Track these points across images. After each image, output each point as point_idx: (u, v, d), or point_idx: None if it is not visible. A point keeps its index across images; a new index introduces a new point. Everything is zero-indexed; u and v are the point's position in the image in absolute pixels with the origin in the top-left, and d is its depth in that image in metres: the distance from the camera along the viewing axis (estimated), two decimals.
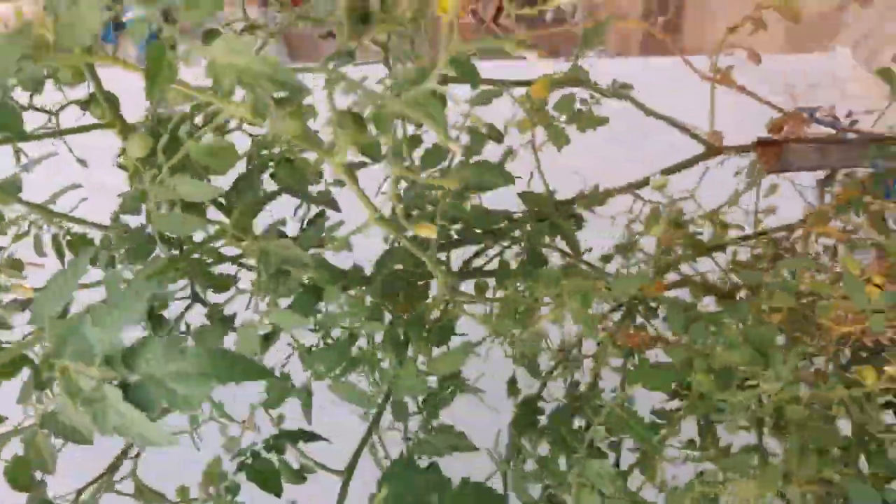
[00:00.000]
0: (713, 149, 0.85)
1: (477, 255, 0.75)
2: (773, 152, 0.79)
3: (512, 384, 0.79)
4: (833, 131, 0.95)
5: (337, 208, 0.68)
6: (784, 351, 0.65)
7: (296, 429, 0.66)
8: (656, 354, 0.91)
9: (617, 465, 0.75)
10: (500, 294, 0.61)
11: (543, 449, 0.70)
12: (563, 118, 0.71)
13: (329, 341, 0.58)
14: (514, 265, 0.71)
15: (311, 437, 0.65)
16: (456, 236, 0.72)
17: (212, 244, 0.59)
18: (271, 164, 0.59)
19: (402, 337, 0.54)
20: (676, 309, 0.66)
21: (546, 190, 0.76)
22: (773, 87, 1.00)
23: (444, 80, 0.33)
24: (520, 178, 0.70)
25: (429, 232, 0.38)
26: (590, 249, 0.89)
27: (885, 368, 0.69)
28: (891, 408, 0.75)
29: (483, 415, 0.88)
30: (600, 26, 0.72)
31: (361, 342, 0.57)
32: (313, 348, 0.58)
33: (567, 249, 0.74)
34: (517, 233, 0.72)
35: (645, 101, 0.93)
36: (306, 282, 0.50)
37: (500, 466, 0.81)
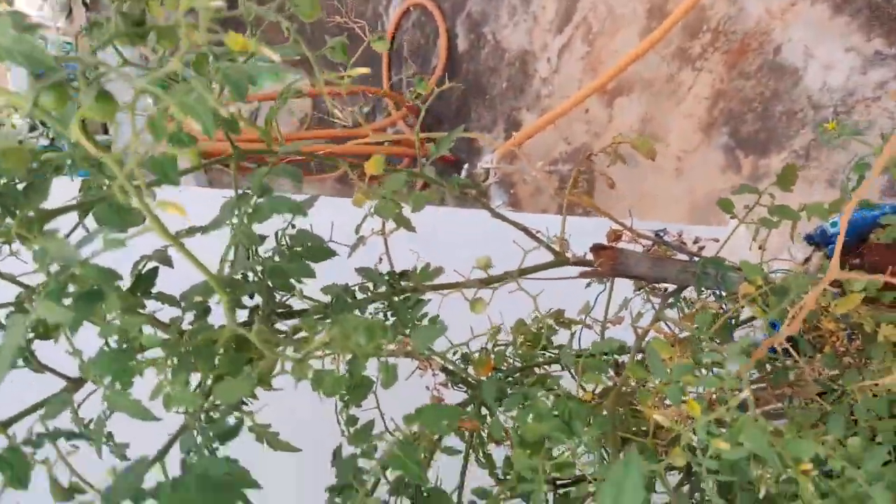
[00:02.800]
0: (560, 256, 0.90)
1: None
2: (608, 255, 0.85)
3: (336, 453, 0.76)
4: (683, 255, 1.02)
5: (170, 265, 0.69)
6: (589, 422, 0.65)
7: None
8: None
9: None
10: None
11: None
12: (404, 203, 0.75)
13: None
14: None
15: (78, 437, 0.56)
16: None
17: None
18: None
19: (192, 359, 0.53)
20: (491, 384, 0.67)
21: (391, 270, 0.79)
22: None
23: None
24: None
25: None
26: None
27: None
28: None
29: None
30: (448, 135, 0.79)
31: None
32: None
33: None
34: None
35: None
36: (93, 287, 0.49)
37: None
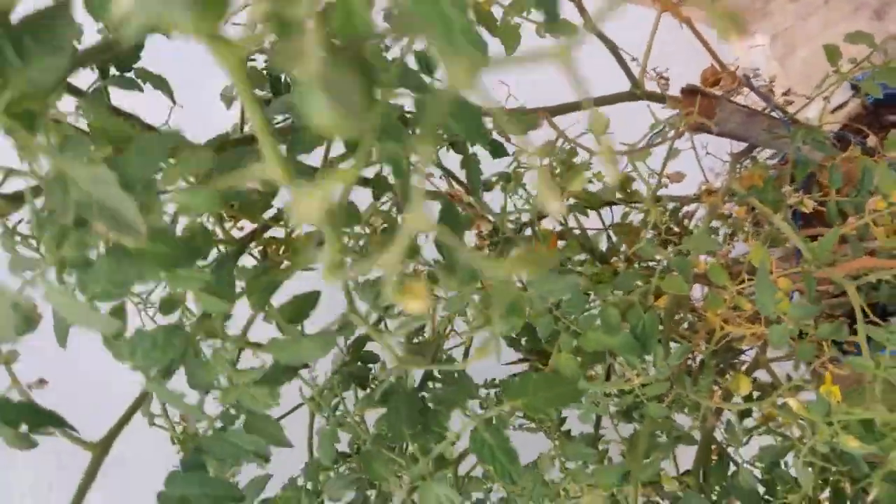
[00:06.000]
0: (638, 89, 0.72)
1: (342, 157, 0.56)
2: (702, 105, 0.67)
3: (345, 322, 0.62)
4: (761, 104, 0.85)
5: (171, 93, 0.47)
6: (664, 345, 0.54)
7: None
8: None
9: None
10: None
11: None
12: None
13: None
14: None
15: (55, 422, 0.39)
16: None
17: None
18: None
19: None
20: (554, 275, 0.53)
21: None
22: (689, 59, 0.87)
23: None
24: None
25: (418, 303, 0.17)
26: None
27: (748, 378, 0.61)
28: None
29: None
30: None
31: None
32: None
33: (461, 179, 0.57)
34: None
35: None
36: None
37: (312, 404, 0.67)
